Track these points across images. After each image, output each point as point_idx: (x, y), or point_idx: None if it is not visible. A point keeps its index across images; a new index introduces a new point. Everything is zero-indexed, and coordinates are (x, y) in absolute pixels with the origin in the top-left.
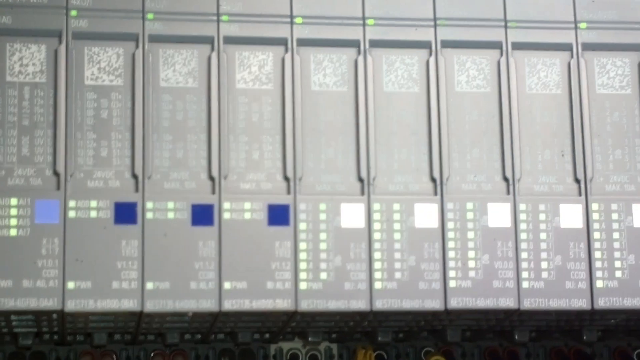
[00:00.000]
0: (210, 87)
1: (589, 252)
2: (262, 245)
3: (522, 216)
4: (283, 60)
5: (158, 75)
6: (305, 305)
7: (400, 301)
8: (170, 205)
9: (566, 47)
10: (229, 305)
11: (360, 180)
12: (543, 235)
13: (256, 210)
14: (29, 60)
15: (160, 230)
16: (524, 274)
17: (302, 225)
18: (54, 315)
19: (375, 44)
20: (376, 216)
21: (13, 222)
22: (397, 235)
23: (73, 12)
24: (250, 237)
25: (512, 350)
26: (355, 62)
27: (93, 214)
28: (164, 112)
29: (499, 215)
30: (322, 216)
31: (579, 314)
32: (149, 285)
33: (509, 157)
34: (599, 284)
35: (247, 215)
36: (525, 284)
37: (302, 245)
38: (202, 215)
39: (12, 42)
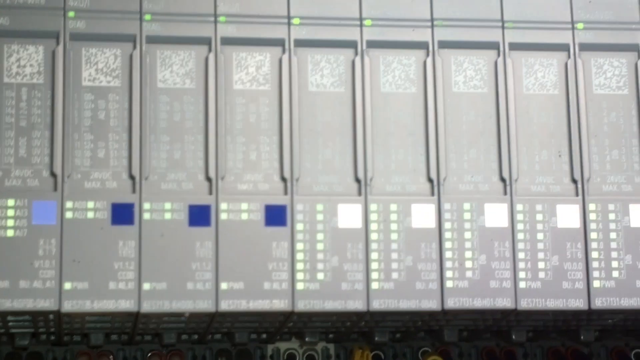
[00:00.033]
0: (208, 88)
1: (586, 252)
2: (259, 245)
3: (519, 216)
4: (280, 61)
5: (155, 76)
6: (302, 306)
7: (397, 301)
8: (168, 206)
9: (563, 48)
10: (225, 305)
11: (358, 180)
12: (540, 236)
13: (253, 211)
14: (27, 61)
15: (157, 230)
16: (521, 274)
17: (299, 226)
18: (51, 316)
19: (373, 44)
20: (373, 217)
21: (10, 222)
22: (394, 236)
23: (70, 13)
24: (247, 237)
25: (510, 350)
26: (353, 62)
27: (90, 214)
28: (161, 113)
29: (496, 215)
30: (319, 217)
31: (576, 314)
32: (146, 286)
33: (506, 158)
34: (596, 284)
35: (244, 216)
36: (522, 284)
37: (299, 246)
38: (199, 215)
39: (10, 43)
